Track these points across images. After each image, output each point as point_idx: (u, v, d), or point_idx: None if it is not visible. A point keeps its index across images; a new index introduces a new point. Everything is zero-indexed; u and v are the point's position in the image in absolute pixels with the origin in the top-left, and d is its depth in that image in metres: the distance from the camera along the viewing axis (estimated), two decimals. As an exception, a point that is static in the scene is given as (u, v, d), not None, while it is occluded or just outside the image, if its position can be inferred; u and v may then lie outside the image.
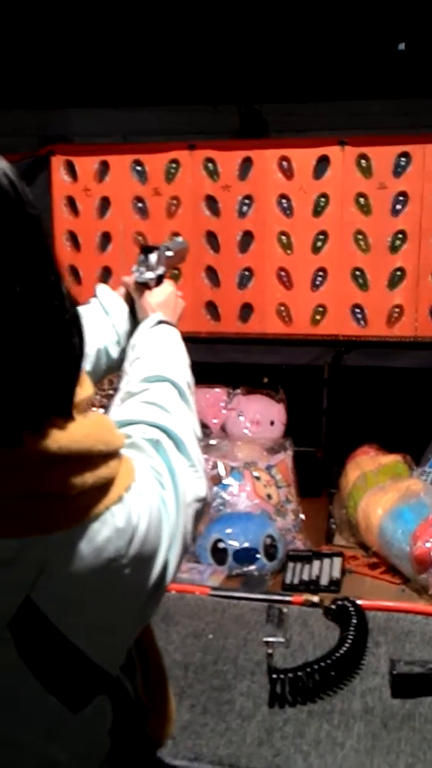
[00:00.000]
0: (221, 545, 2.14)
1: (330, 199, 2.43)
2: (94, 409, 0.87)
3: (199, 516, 0.97)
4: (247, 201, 2.50)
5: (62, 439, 0.75)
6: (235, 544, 2.14)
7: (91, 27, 2.99)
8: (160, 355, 1.24)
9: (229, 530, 2.16)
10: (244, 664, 1.67)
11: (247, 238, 2.52)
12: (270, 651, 1.65)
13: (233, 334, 2.57)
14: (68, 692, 0.81)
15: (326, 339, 2.52)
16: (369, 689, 1.59)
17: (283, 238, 2.49)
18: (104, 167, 2.58)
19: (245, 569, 2.13)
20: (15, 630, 0.75)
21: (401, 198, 2.39)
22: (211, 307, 2.58)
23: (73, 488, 0.75)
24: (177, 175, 2.52)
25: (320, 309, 2.50)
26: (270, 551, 2.16)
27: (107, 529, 0.78)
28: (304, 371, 2.65)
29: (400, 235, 2.41)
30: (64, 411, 0.78)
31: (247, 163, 2.47)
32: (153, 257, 1.49)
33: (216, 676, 1.64)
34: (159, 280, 1.48)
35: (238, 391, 2.63)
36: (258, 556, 2.14)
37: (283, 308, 2.52)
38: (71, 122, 3.25)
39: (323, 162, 2.42)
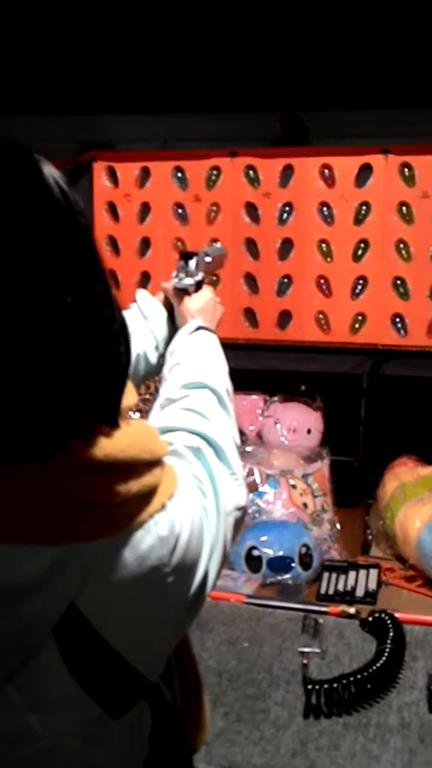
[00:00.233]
0: (255, 553, 2.13)
1: (372, 207, 2.41)
2: (132, 414, 0.87)
3: (238, 525, 0.97)
4: (287, 208, 2.49)
5: (108, 447, 0.76)
6: (270, 552, 2.12)
7: (133, 34, 3.00)
8: (199, 362, 1.24)
9: (263, 538, 2.15)
10: (279, 674, 1.66)
11: (287, 245, 2.51)
12: (305, 661, 1.64)
13: (271, 341, 2.56)
14: (109, 698, 0.81)
15: (365, 348, 2.49)
16: (406, 704, 1.57)
17: (323, 245, 2.47)
18: (145, 173, 2.59)
19: (279, 578, 2.11)
20: (59, 635, 0.75)
21: (444, 207, 2.37)
22: (250, 314, 2.57)
23: (118, 496, 0.75)
24: (218, 181, 2.52)
25: (359, 317, 2.48)
26: (305, 560, 2.14)
27: (150, 538, 0.78)
28: (342, 380, 2.63)
29: (443, 245, 2.38)
30: (110, 419, 0.79)
31: (288, 170, 2.47)
32: (192, 263, 1.49)
33: (250, 685, 1.63)
34: (198, 285, 1.48)
35: (275, 398, 2.62)
36: (293, 565, 2.12)
37: (321, 316, 2.51)
38: (112, 128, 3.25)
39: (366, 170, 2.41)
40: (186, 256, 1.49)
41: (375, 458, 2.54)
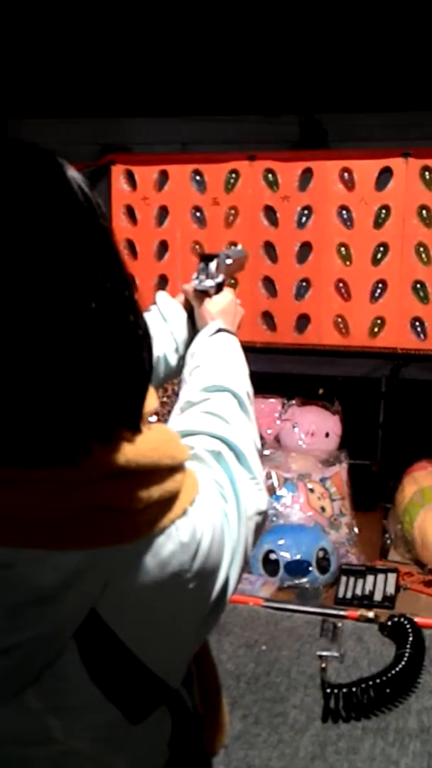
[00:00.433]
0: (273, 556, 2.13)
1: (391, 210, 2.41)
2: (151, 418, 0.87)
3: (259, 530, 0.96)
4: (306, 212, 2.49)
5: (130, 452, 0.75)
6: (287, 555, 2.12)
7: (152, 37, 3.01)
8: (220, 364, 1.22)
9: (281, 541, 2.15)
10: (297, 677, 1.65)
11: (306, 249, 2.51)
12: (323, 665, 1.64)
13: (289, 345, 2.56)
14: (129, 703, 0.80)
15: (384, 351, 2.49)
16: (425, 708, 1.57)
17: (343, 249, 2.47)
18: (163, 177, 2.59)
19: (297, 581, 2.11)
20: (80, 640, 0.75)
21: (464, 211, 2.36)
22: (268, 318, 2.57)
23: (140, 502, 0.75)
24: (236, 185, 2.53)
25: (378, 321, 2.47)
26: (322, 564, 2.13)
27: (172, 544, 0.77)
28: (360, 383, 2.63)
29: (463, 248, 2.38)
30: (133, 424, 0.79)
31: (307, 173, 2.47)
32: (213, 265, 1.48)
33: (269, 688, 1.63)
34: (218, 288, 1.47)
35: (293, 402, 2.61)
36: (310, 568, 2.11)
37: (340, 320, 2.50)
38: (131, 131, 3.26)
39: (386, 173, 2.40)
40: (206, 258, 1.49)
41: (393, 462, 2.53)
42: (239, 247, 1.69)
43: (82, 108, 3.20)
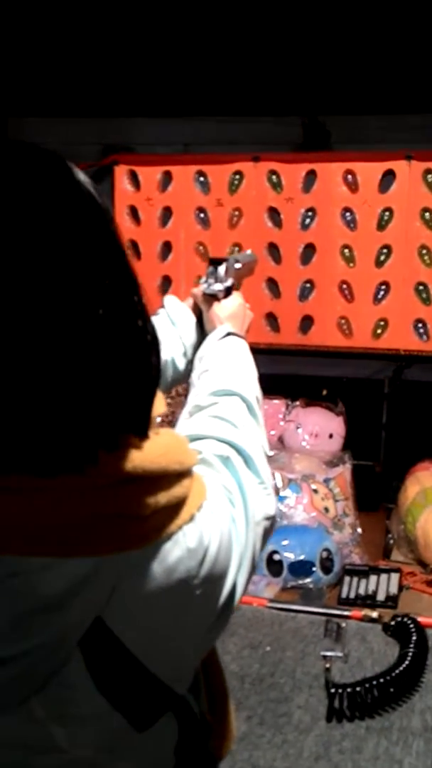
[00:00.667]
0: (276, 557, 2.14)
1: (395, 213, 2.41)
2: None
3: (266, 535, 0.95)
4: (310, 213, 2.49)
5: (137, 458, 0.75)
6: (291, 556, 2.13)
7: (154, 37, 3.02)
8: (228, 368, 1.22)
9: (285, 542, 2.16)
10: (302, 678, 1.66)
11: (309, 250, 2.51)
12: (328, 665, 1.65)
13: (293, 346, 2.56)
14: (135, 711, 0.80)
15: (387, 353, 2.49)
16: (428, 707, 1.58)
17: (346, 251, 2.48)
18: (167, 177, 2.60)
19: (300, 582, 2.12)
20: (85, 648, 0.74)
21: (467, 213, 2.37)
22: (272, 319, 2.58)
23: (147, 508, 0.74)
24: (240, 186, 2.53)
25: (382, 323, 2.48)
26: (326, 564, 2.14)
27: (179, 550, 0.77)
28: (364, 385, 2.64)
29: (466, 251, 2.39)
30: (140, 430, 0.78)
31: (311, 175, 2.47)
32: (222, 269, 1.49)
33: (273, 689, 1.64)
34: (227, 291, 1.47)
35: (297, 403, 2.62)
36: (314, 569, 2.12)
37: (344, 321, 2.51)
38: (134, 131, 3.28)
39: (389, 176, 2.41)
40: (215, 261, 1.49)
41: (396, 463, 2.54)
42: (249, 251, 1.69)
43: (84, 107, 3.21)
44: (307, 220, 2.51)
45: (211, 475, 0.89)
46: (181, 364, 1.42)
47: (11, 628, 0.72)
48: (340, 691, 1.56)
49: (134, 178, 2.62)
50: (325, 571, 2.14)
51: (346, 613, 1.85)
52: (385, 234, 2.44)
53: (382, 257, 2.46)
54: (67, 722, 0.77)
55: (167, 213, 2.61)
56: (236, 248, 2.55)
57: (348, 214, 2.47)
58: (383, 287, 2.47)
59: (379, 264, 2.46)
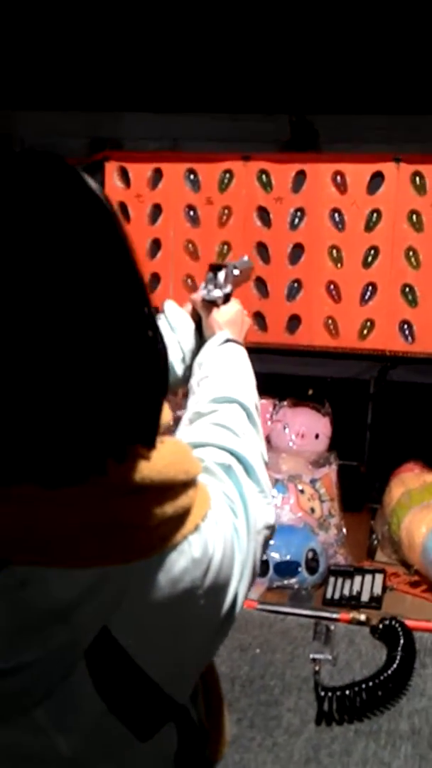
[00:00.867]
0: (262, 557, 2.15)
1: (383, 214, 2.43)
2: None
3: (266, 544, 0.96)
4: (299, 213, 2.50)
5: (145, 469, 0.75)
6: (277, 556, 2.14)
7: (144, 32, 3.00)
8: (228, 375, 1.23)
9: (270, 542, 2.16)
10: (291, 680, 1.68)
11: (298, 250, 2.52)
12: (317, 668, 1.66)
13: (280, 345, 2.57)
14: (138, 720, 0.80)
15: (373, 353, 2.51)
16: (416, 710, 1.60)
17: (334, 251, 2.49)
18: (158, 174, 2.59)
19: (286, 582, 2.13)
20: (90, 658, 0.74)
21: (454, 216, 2.39)
22: (259, 318, 2.58)
23: (154, 518, 0.75)
24: (230, 185, 2.53)
25: (368, 323, 2.50)
26: (311, 565, 2.16)
27: (184, 560, 0.77)
28: (349, 385, 2.65)
29: (453, 253, 2.41)
30: (148, 440, 0.79)
31: (300, 176, 2.48)
32: (221, 275, 1.50)
33: (263, 691, 1.65)
34: (226, 298, 1.48)
35: (285, 402, 2.63)
36: (299, 569, 2.14)
37: (330, 321, 2.53)
38: (122, 125, 3.25)
39: (377, 178, 2.42)
40: (215, 268, 1.50)
41: (380, 463, 2.56)
42: (245, 257, 1.70)
43: (72, 100, 3.18)
44: (296, 220, 2.51)
45: (214, 484, 0.90)
46: (180, 370, 1.43)
47: (20, 637, 0.73)
48: (330, 694, 1.58)
49: (124, 174, 2.61)
50: (311, 572, 2.15)
51: (334, 615, 1.86)
52: (372, 235, 2.46)
53: (370, 258, 2.47)
54: (70, 731, 0.77)
55: (157, 210, 2.61)
56: (225, 246, 2.56)
57: (336, 214, 2.48)
58: (370, 288, 2.49)
59: (366, 265, 2.48)
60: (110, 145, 2.90)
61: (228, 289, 1.48)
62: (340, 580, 2.13)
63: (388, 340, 2.50)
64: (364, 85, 2.87)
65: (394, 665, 1.65)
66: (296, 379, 2.68)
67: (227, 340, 1.35)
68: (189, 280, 2.57)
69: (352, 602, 2.04)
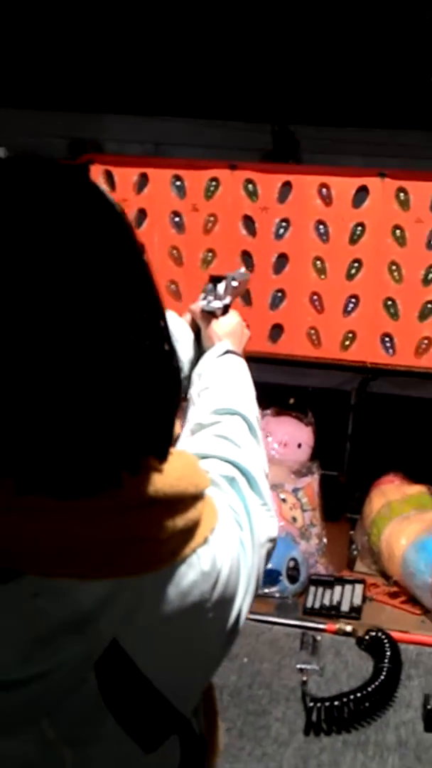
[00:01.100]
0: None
1: (367, 228, 2.45)
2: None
3: (268, 557, 0.97)
4: (284, 224, 2.51)
5: (158, 482, 0.76)
6: (258, 564, 2.15)
7: (127, 35, 2.99)
8: (229, 387, 1.23)
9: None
10: (279, 690, 1.69)
11: (282, 260, 2.53)
12: (304, 678, 1.67)
13: (262, 354, 2.58)
14: (144, 732, 0.80)
15: (354, 365, 2.53)
16: (402, 722, 1.62)
17: (318, 262, 2.51)
18: (143, 179, 2.58)
19: (267, 590, 2.14)
20: (99, 670, 0.74)
21: (437, 233, 2.42)
22: (242, 326, 2.59)
23: (165, 531, 0.75)
24: (216, 192, 2.54)
25: (350, 335, 2.51)
26: (292, 574, 2.17)
27: (193, 573, 0.78)
28: (330, 395, 2.67)
29: (435, 269, 2.44)
30: (161, 453, 0.79)
31: (286, 186, 2.49)
32: (221, 287, 1.51)
33: (251, 701, 1.66)
34: (225, 309, 1.49)
35: (268, 412, 2.64)
36: (280, 578, 2.15)
37: (313, 331, 2.54)
38: (103, 127, 3.24)
39: (362, 192, 2.44)
40: (215, 279, 1.51)
41: (360, 474, 2.58)
42: (242, 269, 1.71)
43: (52, 100, 3.15)
44: (281, 230, 2.52)
45: (220, 497, 0.90)
46: None
47: (31, 648, 0.73)
48: (318, 704, 1.59)
49: (110, 178, 2.60)
50: (291, 581, 2.16)
51: (321, 626, 1.88)
52: (356, 248, 2.48)
53: (353, 271, 2.49)
54: (77, 743, 0.77)
55: (142, 215, 2.60)
56: (210, 254, 2.56)
57: (321, 226, 2.49)
58: (353, 300, 2.51)
59: (349, 277, 2.50)
60: (90, 147, 2.88)
61: (228, 300, 1.50)
62: (320, 590, 2.15)
63: (369, 352, 2.52)
64: (347, 97, 2.89)
65: (382, 677, 1.66)
66: (277, 388, 2.69)
67: (227, 352, 1.36)
68: (173, 286, 2.56)
69: (332, 612, 2.06)
